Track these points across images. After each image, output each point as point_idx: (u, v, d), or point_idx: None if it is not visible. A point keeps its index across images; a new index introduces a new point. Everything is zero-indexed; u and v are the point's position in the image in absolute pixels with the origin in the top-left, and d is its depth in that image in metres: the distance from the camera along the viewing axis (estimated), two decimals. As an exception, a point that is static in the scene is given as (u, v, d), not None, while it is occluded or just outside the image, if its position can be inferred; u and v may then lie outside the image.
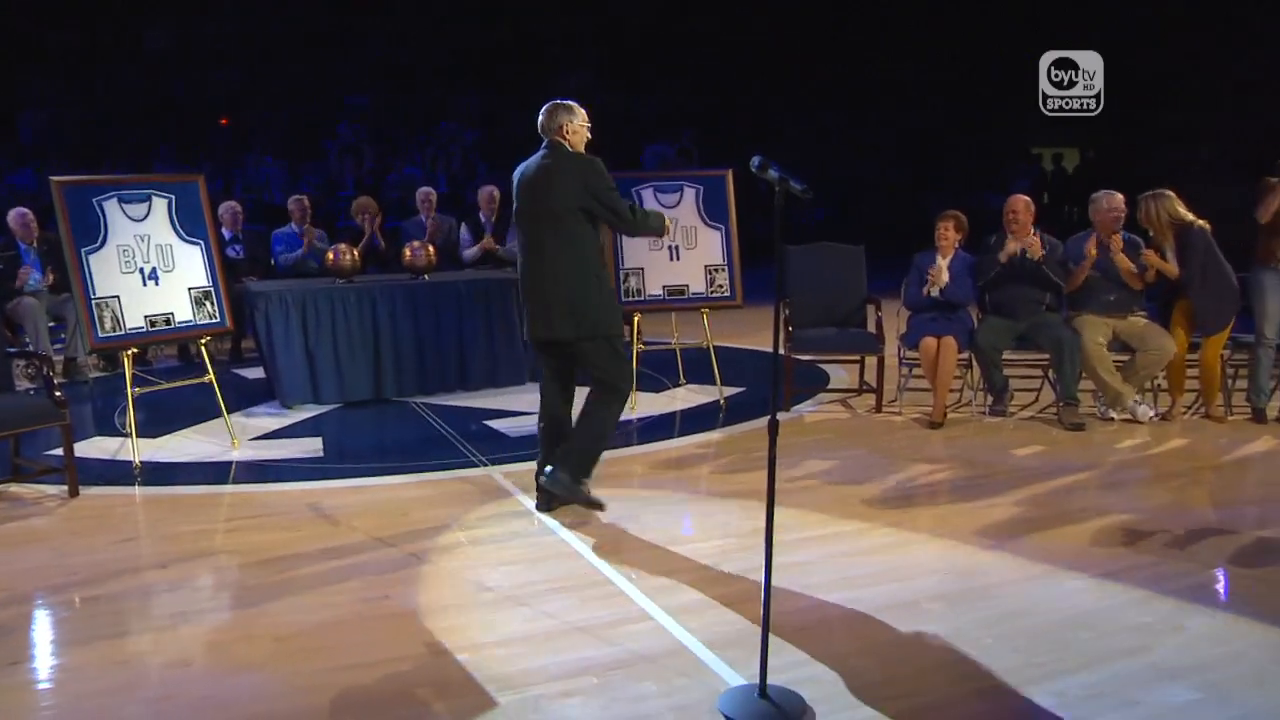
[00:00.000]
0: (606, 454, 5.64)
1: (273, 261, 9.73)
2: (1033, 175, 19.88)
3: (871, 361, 7.83)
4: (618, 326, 5.35)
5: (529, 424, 7.20)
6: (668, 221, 5.65)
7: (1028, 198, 7.52)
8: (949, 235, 7.41)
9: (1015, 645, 3.88)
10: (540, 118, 5.30)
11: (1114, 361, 7.15)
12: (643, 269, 7.75)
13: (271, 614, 4.16)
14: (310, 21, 18.86)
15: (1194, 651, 3.85)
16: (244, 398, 8.00)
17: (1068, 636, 3.96)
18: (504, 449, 6.64)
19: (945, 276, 7.28)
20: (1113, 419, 7.23)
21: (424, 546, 4.90)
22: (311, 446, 6.74)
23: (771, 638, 3.48)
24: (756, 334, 10.20)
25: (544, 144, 5.30)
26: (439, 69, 19.15)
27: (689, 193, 7.91)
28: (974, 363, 7.45)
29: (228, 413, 6.83)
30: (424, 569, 4.64)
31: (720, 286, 7.87)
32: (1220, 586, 4.53)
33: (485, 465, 6.27)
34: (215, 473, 6.21)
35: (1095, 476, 6.14)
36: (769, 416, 3.61)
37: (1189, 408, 7.48)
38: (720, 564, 4.71)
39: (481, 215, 10.03)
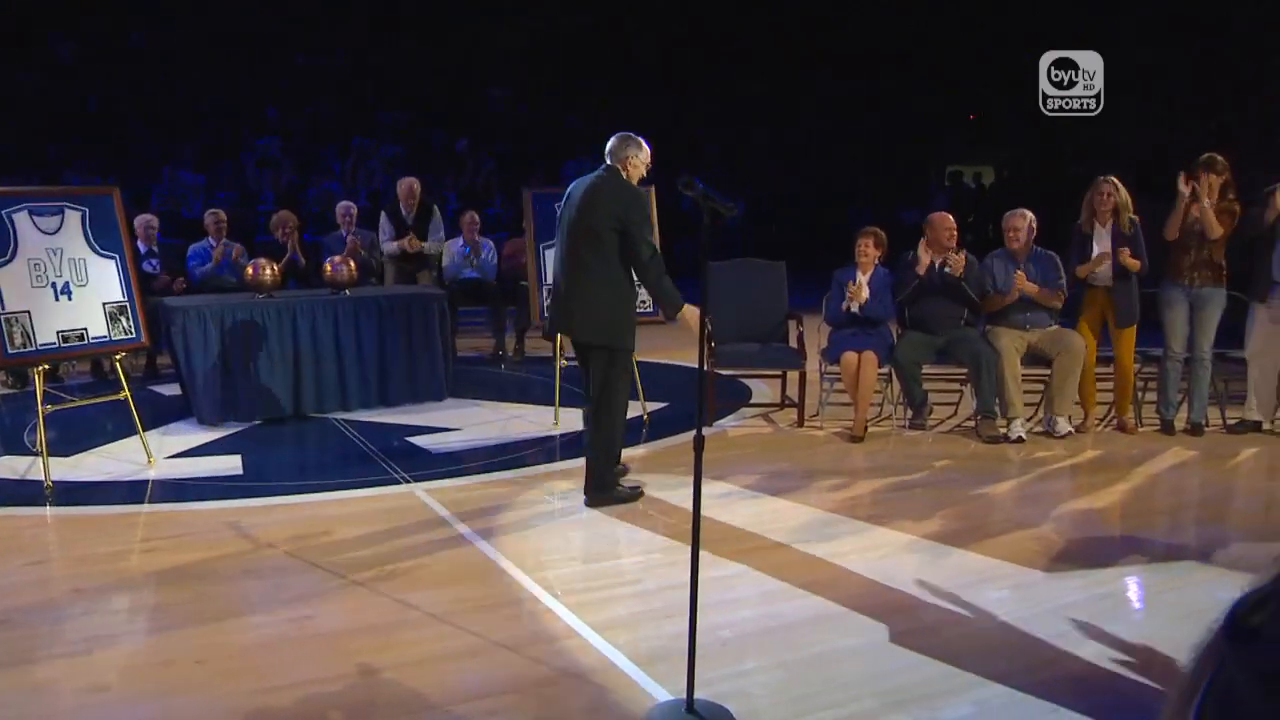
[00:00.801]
0: (532, 469, 5.85)
1: (188, 276, 9.58)
2: (950, 192, 20.24)
3: (793, 376, 7.92)
4: (627, 343, 5.78)
5: (451, 440, 7.20)
6: (687, 312, 5.57)
7: (948, 215, 7.66)
8: (869, 251, 7.53)
9: (937, 656, 3.94)
10: (611, 142, 5.71)
11: (1037, 375, 7.42)
12: (566, 284, 7.74)
13: (191, 636, 4.08)
14: (228, 32, 18.65)
15: (1117, 658, 3.94)
16: (160, 415, 7.84)
17: (989, 647, 4.03)
18: (426, 465, 6.60)
19: (865, 293, 7.39)
20: (1023, 439, 7.38)
21: (346, 565, 4.84)
22: (230, 464, 6.63)
23: (698, 652, 3.50)
24: (679, 349, 10.23)
25: (604, 166, 5.68)
26: (359, 82, 19.02)
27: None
28: (894, 377, 7.57)
29: (144, 430, 6.69)
30: (346, 588, 4.59)
31: (643, 302, 7.87)
32: (1135, 595, 4.65)
33: (408, 482, 6.22)
34: (131, 492, 6.08)
35: (1013, 488, 6.28)
36: (694, 432, 3.62)
37: (1100, 419, 7.68)
38: (645, 579, 4.74)
39: (402, 208, 9.96)
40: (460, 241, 10.49)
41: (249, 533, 5.30)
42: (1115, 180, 7.35)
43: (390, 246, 9.86)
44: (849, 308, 7.42)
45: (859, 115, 21.58)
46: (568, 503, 5.97)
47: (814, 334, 7.86)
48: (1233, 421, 7.67)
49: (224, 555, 4.98)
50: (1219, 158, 7.24)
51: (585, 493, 5.89)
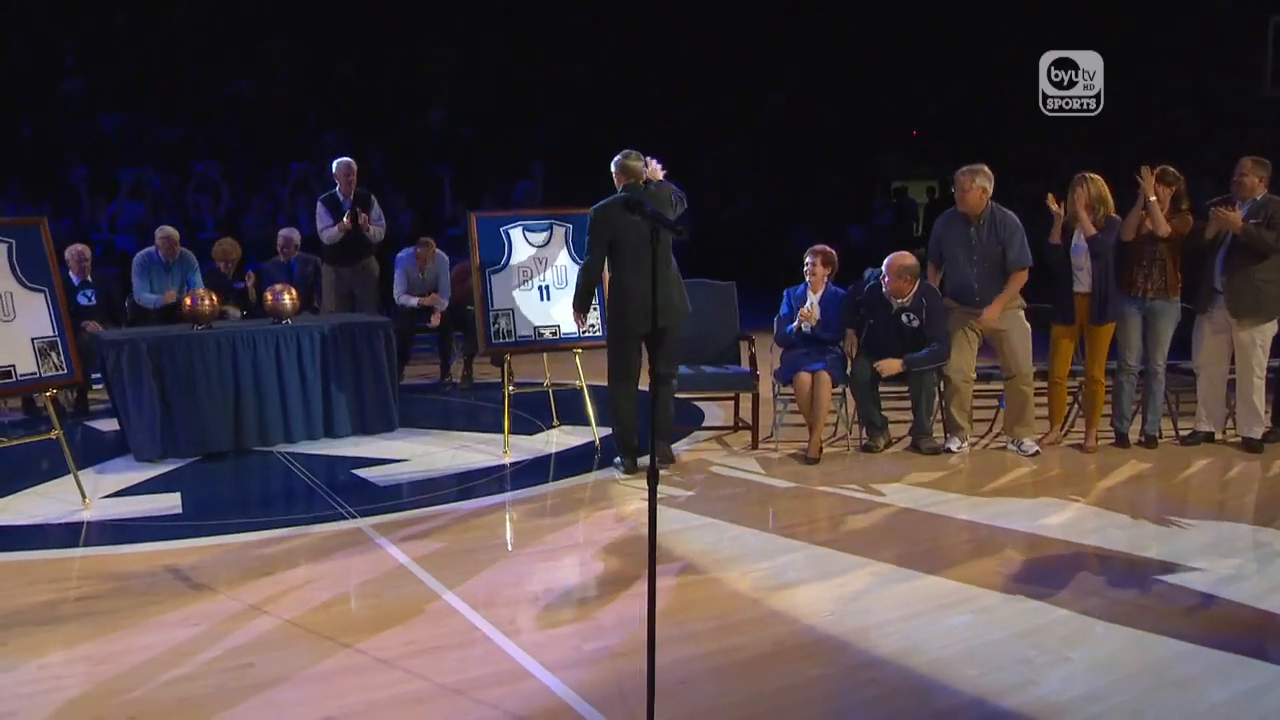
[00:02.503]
0: (483, 501, 5.96)
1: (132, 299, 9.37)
2: (892, 209, 20.30)
3: (746, 398, 7.83)
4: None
5: (399, 473, 7.03)
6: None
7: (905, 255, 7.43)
8: (818, 270, 7.46)
9: (901, 687, 3.85)
10: (638, 164, 6.75)
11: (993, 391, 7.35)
12: (513, 310, 7.61)
13: (125, 690, 3.88)
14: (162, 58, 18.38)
15: (1079, 683, 3.88)
16: (95, 452, 7.59)
17: (954, 674, 3.94)
18: (373, 499, 6.41)
19: (817, 313, 7.32)
20: (950, 451, 7.41)
21: (289, 608, 4.66)
22: (169, 503, 6.39)
23: (657, 688, 3.37)
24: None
25: (634, 186, 6.72)
26: (297, 105, 18.77)
27: (559, 231, 7.82)
28: (848, 396, 7.50)
29: (77, 469, 6.44)
30: (290, 632, 4.41)
31: (592, 326, 7.76)
32: (1100, 615, 4.57)
33: (354, 517, 6.04)
34: (64, 535, 5.82)
35: (972, 509, 6.21)
36: (648, 464, 3.49)
37: (1064, 432, 7.68)
38: (600, 614, 4.61)
39: (339, 193, 9.71)
40: (410, 254, 10.11)
41: (188, 576, 5.10)
42: (1090, 176, 7.27)
43: (331, 232, 9.55)
44: (799, 327, 7.35)
45: (801, 132, 21.64)
46: (519, 534, 5.83)
47: (766, 355, 7.78)
48: (1185, 433, 7.69)
49: (161, 600, 4.77)
50: (1170, 169, 7.25)
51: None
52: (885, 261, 7.27)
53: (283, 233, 10.25)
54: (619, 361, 6.90)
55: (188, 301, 7.81)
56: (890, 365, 7.14)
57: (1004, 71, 18.70)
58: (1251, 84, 16.00)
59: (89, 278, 9.24)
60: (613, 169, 6.84)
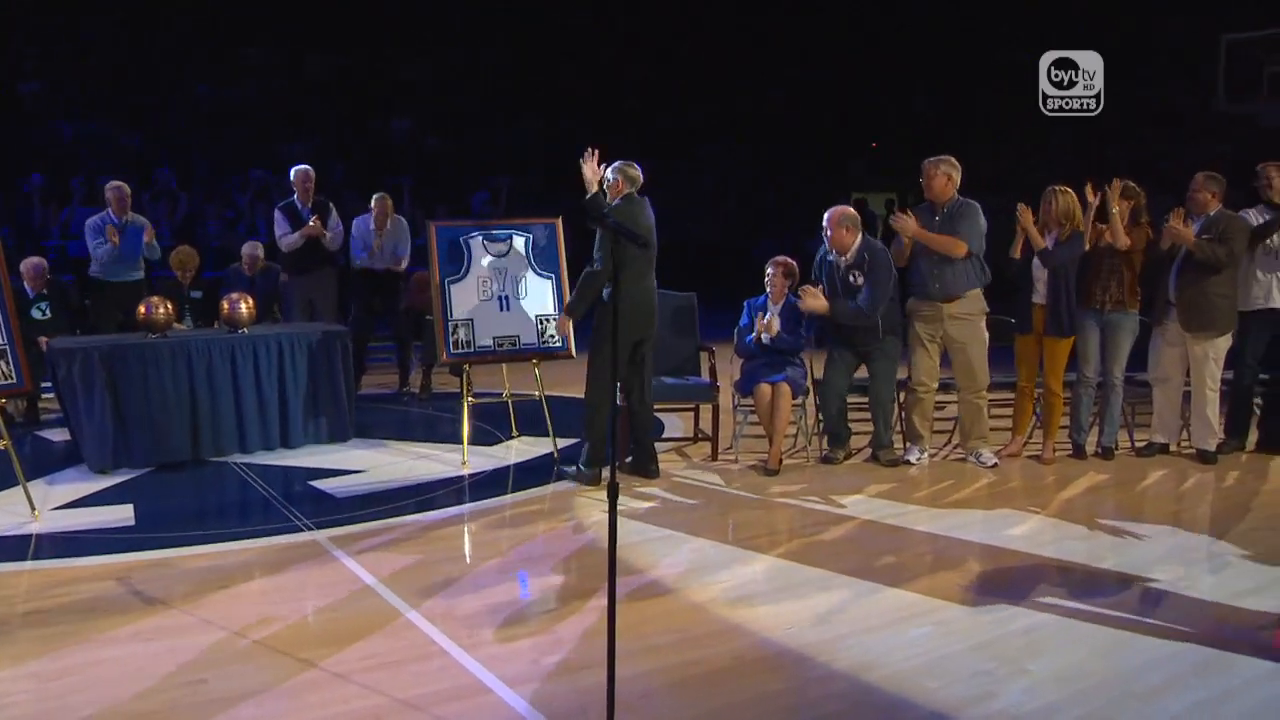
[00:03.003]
0: (441, 512, 5.88)
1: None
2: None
3: (707, 409, 7.82)
4: None
5: (356, 484, 6.96)
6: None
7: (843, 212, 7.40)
8: (779, 282, 7.46)
9: (861, 700, 3.84)
10: (638, 173, 6.88)
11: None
12: (472, 320, 7.56)
13: (75, 708, 3.80)
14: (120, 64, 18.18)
15: (1040, 695, 3.88)
16: (46, 463, 7.46)
17: (915, 687, 3.94)
18: (330, 511, 6.34)
19: (776, 325, 7.32)
20: (909, 462, 7.46)
21: (245, 622, 4.59)
22: (122, 514, 6.29)
23: (616, 703, 3.34)
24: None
25: (638, 193, 6.86)
26: (258, 113, 18.63)
27: (518, 241, 7.78)
28: (808, 408, 7.52)
29: (26, 480, 6.33)
30: (245, 647, 4.34)
31: (552, 336, 7.74)
32: (1060, 626, 4.59)
33: (310, 529, 5.97)
34: (11, 548, 5.70)
35: (931, 520, 6.22)
36: (609, 479, 3.47)
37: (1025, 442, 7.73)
38: (559, 627, 4.57)
39: (298, 200, 9.60)
40: (368, 220, 9.95)
41: (140, 589, 5.01)
42: (1059, 189, 7.31)
43: (291, 239, 9.43)
44: (760, 339, 7.35)
45: (766, 144, 21.71)
46: (478, 546, 5.79)
47: (726, 365, 7.77)
48: (1141, 444, 7.76)
49: (112, 616, 4.68)
50: (1131, 183, 7.34)
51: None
52: (825, 216, 7.34)
53: (246, 250, 10.09)
54: (607, 368, 6.81)
55: (141, 310, 7.68)
56: (816, 302, 7.17)
57: (974, 81, 18.94)
58: (1206, 100, 16.23)
59: (44, 290, 9.04)
60: (612, 176, 6.85)
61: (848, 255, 7.24)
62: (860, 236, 7.26)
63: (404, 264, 10.04)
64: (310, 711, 3.76)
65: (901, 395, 7.64)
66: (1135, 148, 16.04)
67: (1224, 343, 7.32)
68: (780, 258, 7.58)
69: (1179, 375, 7.53)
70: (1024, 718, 3.70)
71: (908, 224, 7.20)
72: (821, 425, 7.65)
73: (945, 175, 7.26)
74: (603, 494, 6.59)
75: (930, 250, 7.22)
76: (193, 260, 9.73)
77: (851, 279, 7.20)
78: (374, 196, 9.98)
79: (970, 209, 7.23)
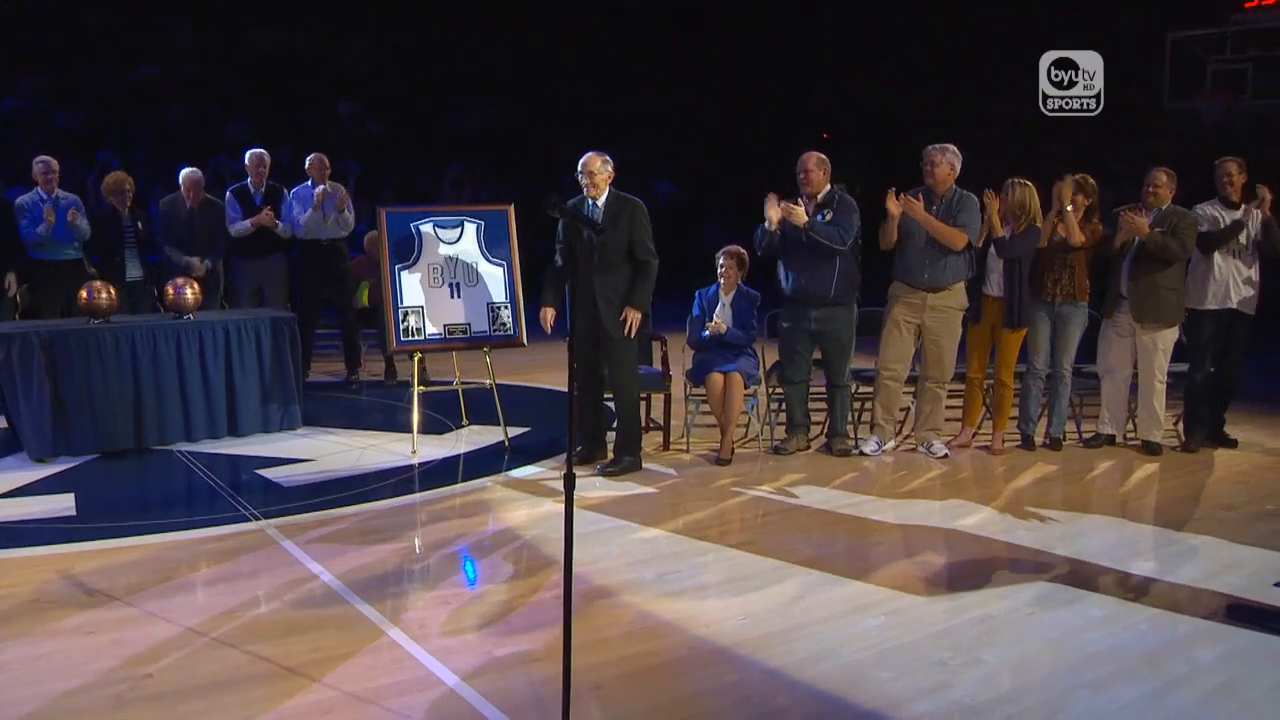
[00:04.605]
0: (391, 502, 5.85)
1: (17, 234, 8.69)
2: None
3: (658, 399, 7.80)
4: None
5: (304, 473, 6.87)
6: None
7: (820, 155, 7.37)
8: (731, 273, 7.43)
9: (817, 691, 3.84)
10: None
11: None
12: (422, 307, 7.48)
13: (15, 702, 3.70)
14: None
15: (993, 684, 3.90)
16: (-16, 451, 7.31)
17: (870, 678, 3.95)
18: (278, 500, 6.26)
19: (724, 326, 7.28)
20: (863, 453, 7.48)
21: (190, 614, 4.50)
22: (62, 504, 6.16)
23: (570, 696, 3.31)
24: (541, 371, 10.07)
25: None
26: (202, 93, 18.34)
27: (470, 228, 7.70)
28: (760, 397, 7.53)
29: (-37, 469, 6.19)
30: (190, 640, 4.25)
31: (503, 324, 7.68)
32: (1012, 616, 4.61)
33: (258, 519, 5.87)
34: (-52, 538, 5.58)
35: (884, 510, 6.24)
36: (564, 467, 3.42)
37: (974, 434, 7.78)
38: (511, 618, 4.53)
39: (251, 184, 9.41)
40: (310, 185, 9.54)
41: (82, 581, 4.90)
42: (1018, 181, 7.33)
43: (242, 225, 9.20)
44: (710, 335, 7.32)
45: (709, 130, 21.71)
46: (428, 537, 5.72)
47: (678, 354, 7.75)
48: (1088, 435, 7.84)
49: (53, 609, 4.57)
50: (1090, 179, 7.41)
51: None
52: (800, 159, 7.29)
53: (187, 175, 9.41)
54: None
55: (83, 294, 7.49)
56: (799, 210, 7.07)
57: (924, 73, 19.03)
58: (1152, 97, 16.44)
59: None
60: (609, 170, 6.87)
61: (819, 195, 7.21)
62: (829, 180, 7.27)
63: (349, 225, 9.77)
64: (259, 705, 3.69)
65: (857, 386, 7.66)
66: (1076, 143, 16.22)
67: (1171, 334, 7.41)
68: (732, 247, 7.55)
69: (1127, 367, 7.61)
70: (978, 708, 3.71)
71: (916, 206, 7.11)
72: (774, 415, 7.65)
73: (950, 164, 7.25)
74: (551, 483, 6.61)
75: (926, 238, 7.19)
76: (128, 181, 9.21)
77: (820, 217, 7.14)
78: (309, 156, 9.66)
79: (971, 201, 7.21)
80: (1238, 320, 7.52)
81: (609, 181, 6.87)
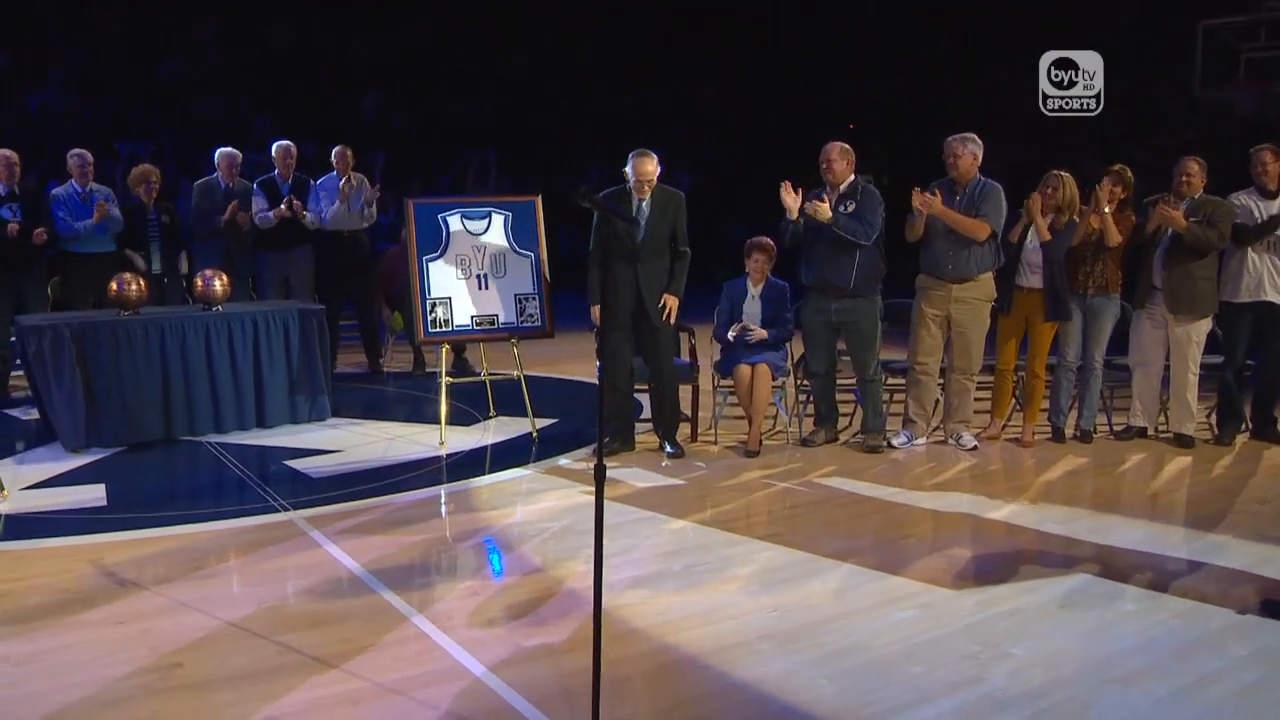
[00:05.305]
0: (419, 493, 5.88)
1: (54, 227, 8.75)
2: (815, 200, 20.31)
3: (685, 390, 7.78)
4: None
5: (333, 464, 6.89)
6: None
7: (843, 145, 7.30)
8: (762, 267, 7.38)
9: (848, 684, 3.81)
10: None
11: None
12: (450, 298, 7.48)
13: (46, 692, 3.72)
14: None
15: (1024, 679, 3.86)
16: (16, 441, 7.36)
17: (899, 672, 3.92)
18: (307, 491, 6.28)
19: (761, 332, 7.27)
20: (893, 447, 7.43)
21: (220, 605, 4.52)
22: (93, 495, 6.20)
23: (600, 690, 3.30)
24: (568, 362, 10.08)
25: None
26: (216, 84, 18.38)
27: (497, 219, 7.70)
28: (788, 389, 7.50)
29: (-4, 459, 6.24)
30: (220, 631, 4.27)
31: (531, 315, 7.68)
32: (1042, 610, 4.57)
33: (287, 510, 5.90)
34: (-20, 528, 5.63)
35: (915, 504, 6.21)
36: (595, 457, 3.41)
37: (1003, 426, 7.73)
38: (540, 609, 4.52)
39: (278, 175, 9.45)
40: (334, 178, 9.61)
41: (112, 571, 4.93)
42: (1062, 175, 7.29)
43: (267, 217, 9.26)
44: (734, 338, 7.28)
45: (741, 123, 21.64)
46: (455, 528, 5.73)
47: (706, 346, 7.73)
48: (1119, 428, 7.77)
49: (84, 597, 4.61)
50: (1128, 171, 7.34)
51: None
52: (824, 150, 7.24)
53: (223, 155, 9.60)
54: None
55: (113, 286, 7.53)
56: (823, 206, 7.00)
57: (945, 65, 18.89)
58: (1183, 86, 16.24)
59: (16, 188, 8.63)
60: (659, 169, 6.99)
61: (842, 186, 7.16)
62: (853, 171, 7.23)
63: (372, 218, 9.82)
64: (288, 695, 3.70)
65: (886, 377, 7.62)
66: (1105, 134, 16.07)
67: (1205, 326, 7.35)
68: (760, 239, 7.52)
69: (1160, 359, 7.54)
70: (1008, 702, 3.68)
71: (934, 202, 7.07)
72: (803, 407, 7.63)
73: (972, 154, 7.19)
74: (583, 474, 6.60)
75: (949, 230, 7.15)
76: (155, 174, 9.27)
77: (843, 208, 7.10)
78: (334, 150, 9.68)
79: (994, 191, 7.14)
80: (1275, 312, 7.42)
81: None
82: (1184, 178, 7.31)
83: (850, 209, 7.07)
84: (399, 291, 9.44)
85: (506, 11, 20.32)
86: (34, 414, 7.75)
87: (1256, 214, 7.32)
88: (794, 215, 7.11)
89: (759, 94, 21.75)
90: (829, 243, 7.08)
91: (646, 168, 6.88)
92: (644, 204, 6.94)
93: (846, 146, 7.23)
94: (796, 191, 7.10)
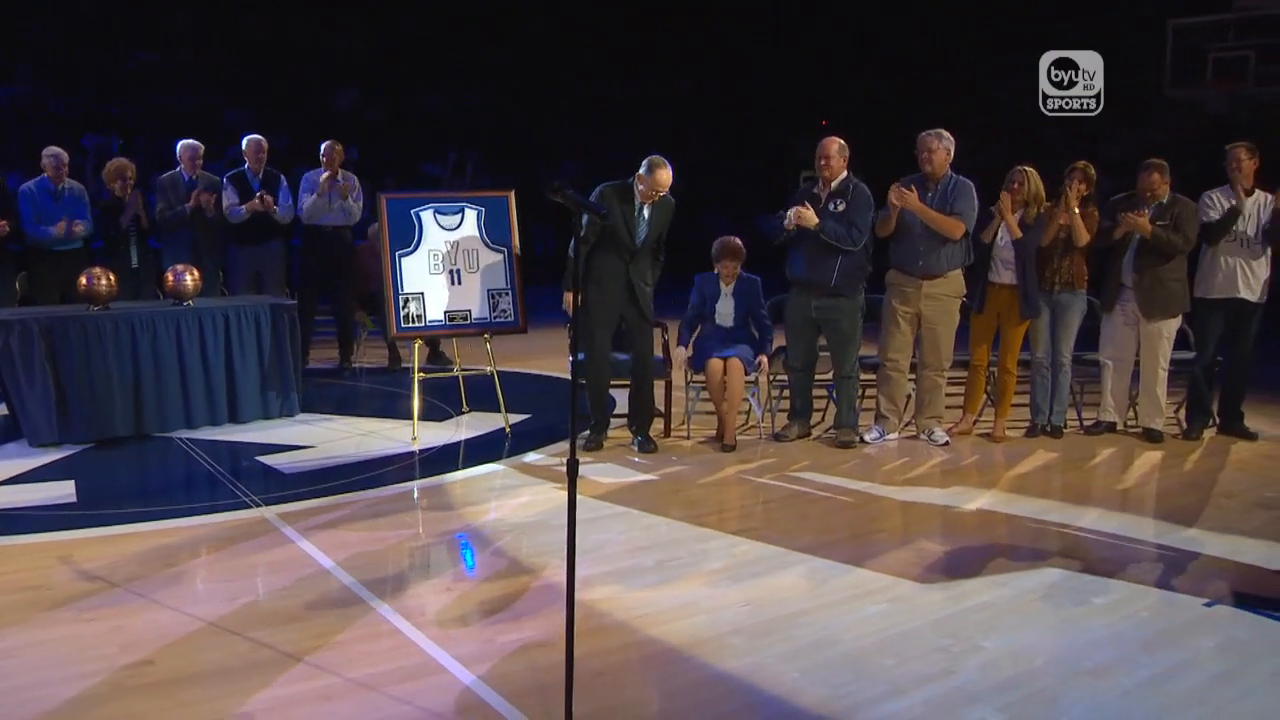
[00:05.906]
0: (392, 489, 5.90)
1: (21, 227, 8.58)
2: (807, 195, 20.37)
3: (658, 385, 7.78)
4: None
5: (305, 459, 6.86)
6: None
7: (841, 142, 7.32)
8: (731, 269, 7.38)
9: (820, 677, 3.83)
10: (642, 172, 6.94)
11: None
12: (423, 294, 7.47)
13: (13, 691, 3.69)
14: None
15: (994, 672, 3.89)
16: (-17, 438, 7.30)
17: (871, 665, 3.94)
18: (279, 487, 6.25)
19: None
20: (865, 442, 7.46)
21: (191, 602, 4.50)
22: (62, 491, 6.15)
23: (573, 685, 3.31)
24: (540, 357, 10.06)
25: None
26: (199, 78, 18.27)
27: (470, 214, 7.69)
28: (761, 384, 7.52)
29: (-37, 456, 6.18)
30: (192, 627, 4.25)
31: (504, 311, 7.67)
32: (1013, 603, 4.60)
33: (258, 506, 5.87)
34: (-52, 525, 5.57)
35: (885, 497, 6.24)
36: (567, 454, 3.41)
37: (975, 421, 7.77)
38: (513, 605, 4.52)
39: (249, 170, 9.36)
40: (320, 172, 9.52)
41: (82, 568, 4.89)
42: (1026, 170, 7.34)
43: (239, 211, 9.15)
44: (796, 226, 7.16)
45: (707, 117, 21.64)
46: (428, 524, 5.72)
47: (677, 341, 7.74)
48: (1089, 423, 7.83)
49: (53, 594, 4.58)
50: (1091, 169, 7.39)
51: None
52: (820, 145, 7.23)
53: (185, 146, 9.41)
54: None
55: (82, 281, 7.47)
56: (808, 213, 7.03)
57: (922, 59, 18.94)
58: (1153, 84, 16.35)
59: None
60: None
61: (834, 183, 7.16)
62: (847, 169, 7.23)
63: (356, 217, 9.78)
64: (260, 692, 3.68)
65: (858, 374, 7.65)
66: (1076, 129, 16.18)
67: (1176, 322, 7.43)
68: (725, 241, 7.48)
69: (1130, 355, 7.60)
70: (979, 695, 3.71)
71: (910, 198, 7.09)
72: (775, 402, 7.65)
73: (946, 150, 7.22)
74: (555, 471, 6.60)
75: (925, 227, 7.16)
76: (130, 168, 9.13)
77: (833, 206, 7.11)
78: (323, 144, 9.59)
79: (967, 188, 7.18)
80: (1246, 309, 7.48)
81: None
82: (1149, 192, 7.34)
83: (840, 207, 7.09)
84: (373, 294, 9.37)
85: (481, 4, 20.29)
86: (1, 410, 7.67)
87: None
88: (791, 226, 7.12)
89: (733, 88, 21.77)
90: (814, 241, 7.09)
91: (665, 179, 6.89)
92: (645, 207, 6.97)
93: (844, 144, 7.23)
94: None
